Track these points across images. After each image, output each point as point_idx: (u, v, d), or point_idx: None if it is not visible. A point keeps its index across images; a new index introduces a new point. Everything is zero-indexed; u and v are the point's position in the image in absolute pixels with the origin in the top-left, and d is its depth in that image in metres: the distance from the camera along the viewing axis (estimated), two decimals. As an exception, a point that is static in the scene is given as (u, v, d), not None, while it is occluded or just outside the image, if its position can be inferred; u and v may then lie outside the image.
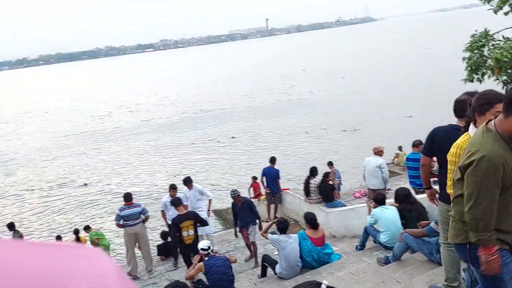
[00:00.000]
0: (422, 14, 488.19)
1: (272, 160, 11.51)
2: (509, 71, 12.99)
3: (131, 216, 8.93)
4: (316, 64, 67.57)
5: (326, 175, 10.22)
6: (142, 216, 9.06)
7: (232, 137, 25.93)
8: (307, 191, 10.20)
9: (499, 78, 13.57)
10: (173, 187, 9.71)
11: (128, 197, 9.17)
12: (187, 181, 9.81)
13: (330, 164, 12.64)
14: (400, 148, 16.12)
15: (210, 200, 10.06)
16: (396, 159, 15.91)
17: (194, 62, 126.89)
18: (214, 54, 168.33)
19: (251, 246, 8.72)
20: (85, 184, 20.18)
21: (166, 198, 9.68)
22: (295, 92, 41.05)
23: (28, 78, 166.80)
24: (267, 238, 6.97)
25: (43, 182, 21.71)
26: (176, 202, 8.24)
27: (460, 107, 3.60)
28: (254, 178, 13.86)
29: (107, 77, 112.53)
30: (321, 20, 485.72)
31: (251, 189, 13.41)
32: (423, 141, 9.09)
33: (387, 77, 43.00)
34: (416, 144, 8.58)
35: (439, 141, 3.46)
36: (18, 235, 11.01)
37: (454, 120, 3.82)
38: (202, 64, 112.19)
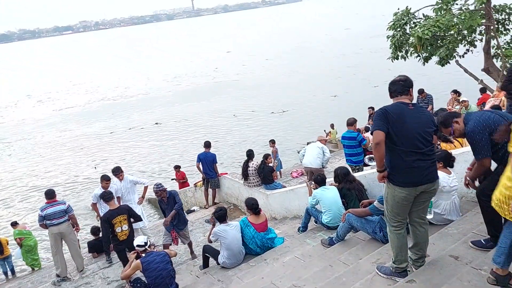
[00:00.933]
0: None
1: (207, 144, 11.13)
2: (429, 48, 13.72)
3: (55, 215, 8.15)
4: (241, 46, 67.18)
5: (266, 157, 10.08)
6: (67, 215, 8.31)
7: (156, 123, 24.96)
8: (245, 174, 10.01)
9: (421, 55, 14.29)
10: (105, 178, 9.01)
11: (50, 194, 8.35)
12: (116, 171, 9.18)
13: (272, 142, 12.56)
14: (332, 126, 16.48)
15: (146, 187, 9.50)
16: (328, 137, 16.26)
17: (113, 45, 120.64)
18: (135, 37, 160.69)
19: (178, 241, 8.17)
20: None
21: (98, 190, 8.99)
22: (220, 75, 40.57)
23: None
24: (211, 242, 6.64)
25: None
26: (106, 196, 7.62)
27: (406, 85, 3.66)
28: (177, 167, 13.60)
29: (16, 62, 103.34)
30: (248, 0, 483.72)
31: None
32: (356, 119, 9.28)
33: (311, 58, 43.94)
34: (350, 123, 8.66)
35: (392, 117, 3.41)
36: None
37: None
38: (121, 47, 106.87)
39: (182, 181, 13.75)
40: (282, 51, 52.91)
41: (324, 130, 16.27)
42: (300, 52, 49.79)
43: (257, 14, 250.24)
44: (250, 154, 10.09)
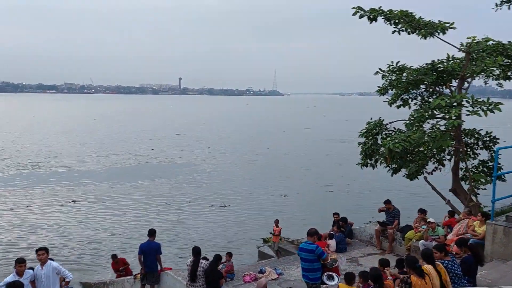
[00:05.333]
0: (323, 95, 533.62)
1: (151, 233, 10.01)
2: (399, 160, 13.62)
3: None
4: (195, 128, 65.44)
5: (218, 259, 9.03)
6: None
7: (73, 201, 21.57)
8: (193, 275, 8.75)
9: (390, 166, 14.15)
10: (19, 261, 7.68)
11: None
12: (39, 251, 7.85)
13: (229, 255, 11.30)
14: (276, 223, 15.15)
15: (67, 282, 8.16)
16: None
17: (75, 109, 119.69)
18: (106, 104, 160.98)
19: None
20: None
21: (11, 277, 7.55)
22: (159, 155, 37.41)
23: None
24: None
25: None
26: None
27: None
28: (114, 256, 12.41)
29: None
30: (233, 87, 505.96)
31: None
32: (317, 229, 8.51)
33: (267, 155, 41.24)
34: (310, 233, 7.85)
35: None
36: None
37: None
38: (76, 112, 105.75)
39: (123, 268, 12.36)
40: (237, 140, 51.49)
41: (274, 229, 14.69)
42: (252, 145, 47.46)
43: (239, 100, 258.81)
44: (198, 252, 9.00)
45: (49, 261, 7.96)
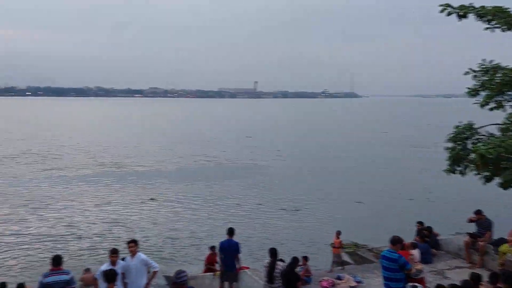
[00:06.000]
0: (403, 97, 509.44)
1: (231, 231, 10.25)
2: (491, 167, 12.56)
3: (55, 285, 7.47)
4: (266, 132, 64.70)
5: (295, 261, 9.03)
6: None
7: (151, 199, 22.67)
8: (271, 277, 8.84)
9: (481, 173, 13.10)
10: (113, 252, 8.27)
11: (57, 260, 7.77)
12: (130, 243, 8.43)
13: (305, 258, 11.31)
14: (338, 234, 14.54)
15: (154, 272, 8.62)
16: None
17: (168, 112, 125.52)
18: (191, 108, 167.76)
19: None
20: None
21: (106, 265, 8.18)
22: (230, 157, 37.71)
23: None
24: None
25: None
26: (109, 276, 6.85)
27: None
28: (212, 248, 12.52)
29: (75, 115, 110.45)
30: (308, 89, 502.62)
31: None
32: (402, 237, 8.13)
33: (341, 159, 39.98)
34: (393, 241, 7.51)
35: None
36: None
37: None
38: (167, 114, 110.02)
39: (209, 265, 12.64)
40: (313, 143, 50.34)
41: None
42: (329, 149, 46.15)
43: (313, 103, 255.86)
44: (274, 253, 9.06)
45: (138, 253, 8.50)
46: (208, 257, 12.60)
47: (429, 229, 12.59)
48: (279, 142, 50.80)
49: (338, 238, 13.32)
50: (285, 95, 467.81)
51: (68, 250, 15.48)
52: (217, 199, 22.71)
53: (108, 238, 17.18)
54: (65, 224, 18.60)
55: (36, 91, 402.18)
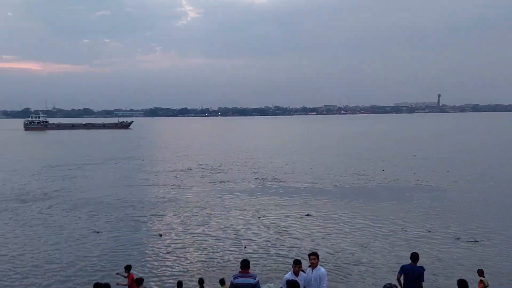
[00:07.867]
0: None
1: (415, 257, 9.45)
2: None
3: (242, 287, 8.06)
4: (438, 149, 55.75)
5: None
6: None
7: (307, 215, 21.39)
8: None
9: None
10: (297, 262, 8.40)
11: (245, 264, 8.41)
12: (313, 258, 8.42)
13: None
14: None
15: None
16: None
17: (330, 130, 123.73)
18: (363, 125, 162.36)
19: None
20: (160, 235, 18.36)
21: (289, 274, 8.35)
22: (390, 177, 32.71)
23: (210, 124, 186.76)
24: None
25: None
26: (292, 287, 7.02)
27: None
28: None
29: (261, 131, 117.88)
30: (504, 102, 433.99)
31: None
32: None
33: None
34: None
35: None
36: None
37: None
38: (324, 133, 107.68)
39: None
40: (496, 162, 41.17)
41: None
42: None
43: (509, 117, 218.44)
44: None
45: (319, 266, 8.40)
46: None
47: None
48: (451, 161, 44.63)
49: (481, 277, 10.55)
50: (475, 108, 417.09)
51: (232, 256, 16.31)
52: (376, 221, 20.86)
53: (272, 252, 17.20)
54: (232, 231, 19.61)
55: (225, 112, 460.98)
